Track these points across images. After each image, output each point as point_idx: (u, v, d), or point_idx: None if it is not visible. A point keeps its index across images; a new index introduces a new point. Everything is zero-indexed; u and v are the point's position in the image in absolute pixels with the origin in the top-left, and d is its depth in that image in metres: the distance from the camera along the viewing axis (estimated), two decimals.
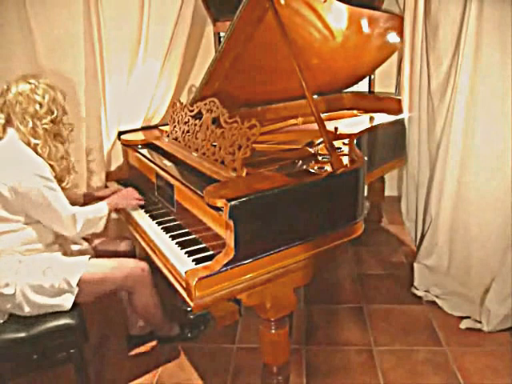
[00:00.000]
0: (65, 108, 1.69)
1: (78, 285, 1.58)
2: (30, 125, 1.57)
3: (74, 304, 1.58)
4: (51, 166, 1.62)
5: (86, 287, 1.61)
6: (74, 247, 1.80)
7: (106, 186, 2.34)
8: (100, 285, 1.67)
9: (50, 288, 1.55)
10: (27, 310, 1.54)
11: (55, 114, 1.62)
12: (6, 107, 1.58)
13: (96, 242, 1.95)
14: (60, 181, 1.67)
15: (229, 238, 1.37)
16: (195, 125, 1.93)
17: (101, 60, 2.29)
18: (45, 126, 1.59)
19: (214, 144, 1.75)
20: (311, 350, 2.03)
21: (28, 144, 1.58)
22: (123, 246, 1.99)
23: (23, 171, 1.52)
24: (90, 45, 2.18)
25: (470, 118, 1.98)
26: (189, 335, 2.09)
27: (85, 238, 1.90)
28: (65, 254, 1.71)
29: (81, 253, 1.78)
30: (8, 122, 1.60)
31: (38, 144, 1.58)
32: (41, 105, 1.58)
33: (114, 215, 2.08)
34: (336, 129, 2.26)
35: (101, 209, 1.78)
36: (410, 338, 2.08)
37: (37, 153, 1.59)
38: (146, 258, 1.76)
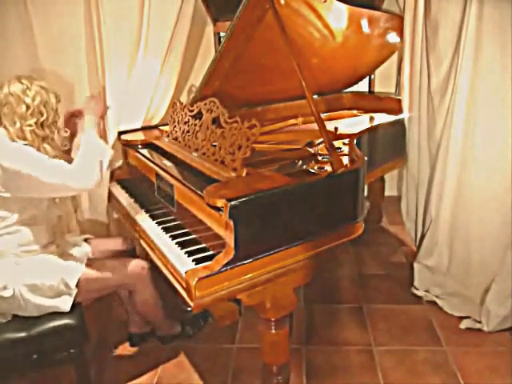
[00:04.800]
0: (57, 111, 1.63)
1: (77, 285, 1.58)
2: (18, 125, 1.53)
3: (74, 304, 1.58)
4: None
5: (85, 287, 1.61)
6: (74, 250, 1.78)
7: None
8: (100, 284, 1.68)
9: (47, 289, 1.54)
10: (29, 310, 1.54)
11: (44, 117, 1.56)
12: None
13: (96, 241, 1.95)
14: None
15: (229, 237, 1.37)
16: (195, 125, 1.92)
17: (101, 59, 2.28)
18: (31, 128, 1.54)
19: (214, 144, 1.75)
20: (311, 350, 2.03)
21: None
22: (123, 246, 2.00)
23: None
24: (91, 44, 2.18)
25: (470, 117, 1.98)
26: (190, 332, 2.10)
27: (85, 240, 1.90)
28: (63, 254, 1.70)
29: (80, 254, 1.76)
30: None
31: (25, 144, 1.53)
32: (28, 107, 1.53)
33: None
34: (336, 129, 2.26)
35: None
36: (410, 338, 2.08)
37: None
38: (146, 257, 1.76)
